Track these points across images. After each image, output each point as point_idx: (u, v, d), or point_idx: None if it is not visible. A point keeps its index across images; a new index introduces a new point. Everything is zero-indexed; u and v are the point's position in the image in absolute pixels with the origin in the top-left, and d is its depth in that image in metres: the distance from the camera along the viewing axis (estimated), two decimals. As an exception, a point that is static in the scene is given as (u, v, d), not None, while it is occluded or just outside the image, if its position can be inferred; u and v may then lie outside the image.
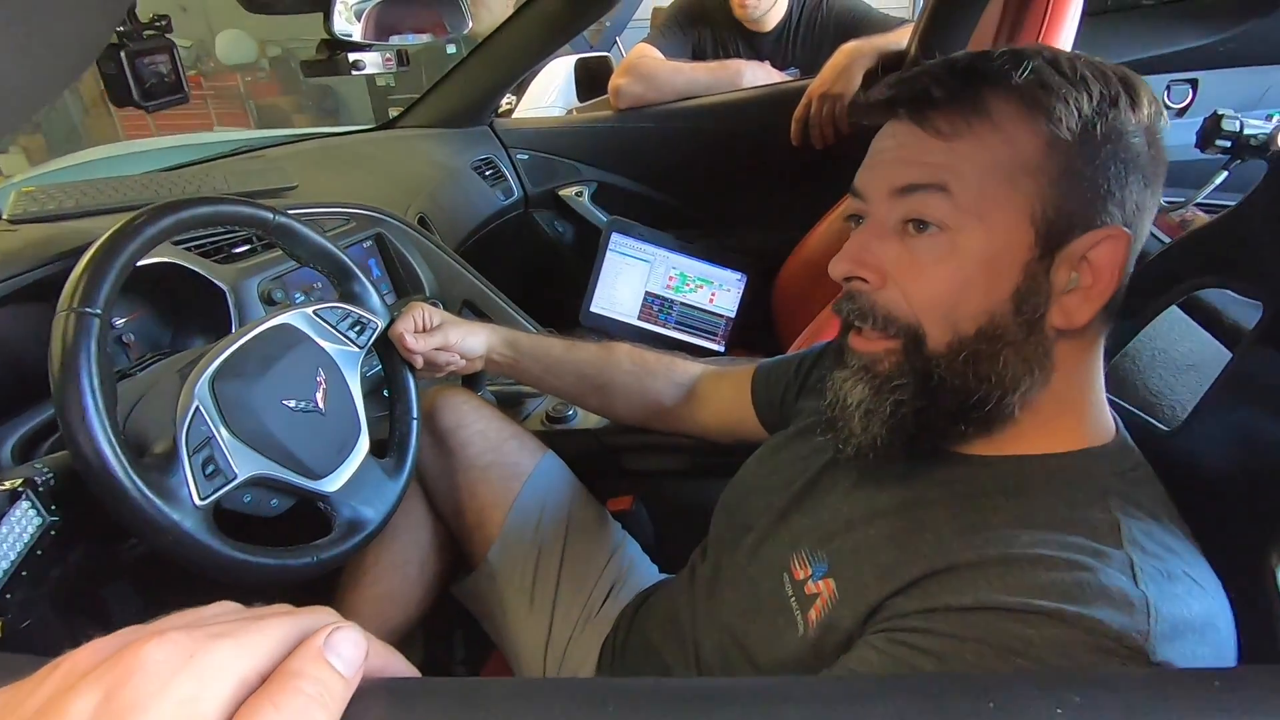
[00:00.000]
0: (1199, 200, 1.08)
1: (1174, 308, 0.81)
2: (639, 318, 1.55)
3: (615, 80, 1.65)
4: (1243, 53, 1.25)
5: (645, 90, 1.61)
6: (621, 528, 0.93)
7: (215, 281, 0.85)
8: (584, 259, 1.58)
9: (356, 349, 0.75)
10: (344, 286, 0.78)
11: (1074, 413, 0.49)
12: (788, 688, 0.20)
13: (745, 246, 1.58)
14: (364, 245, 1.09)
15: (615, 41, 3.77)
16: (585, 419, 1.01)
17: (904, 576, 0.45)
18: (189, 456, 0.57)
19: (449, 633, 1.01)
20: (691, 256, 1.55)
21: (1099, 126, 0.45)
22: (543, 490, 0.87)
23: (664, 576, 0.88)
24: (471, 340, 0.83)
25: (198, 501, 0.57)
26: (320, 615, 0.26)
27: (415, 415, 0.80)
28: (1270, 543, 0.44)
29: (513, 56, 1.51)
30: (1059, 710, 0.18)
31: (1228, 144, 0.99)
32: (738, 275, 1.56)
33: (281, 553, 0.62)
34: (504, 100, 2.17)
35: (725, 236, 1.63)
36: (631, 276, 1.54)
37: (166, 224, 0.59)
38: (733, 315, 1.56)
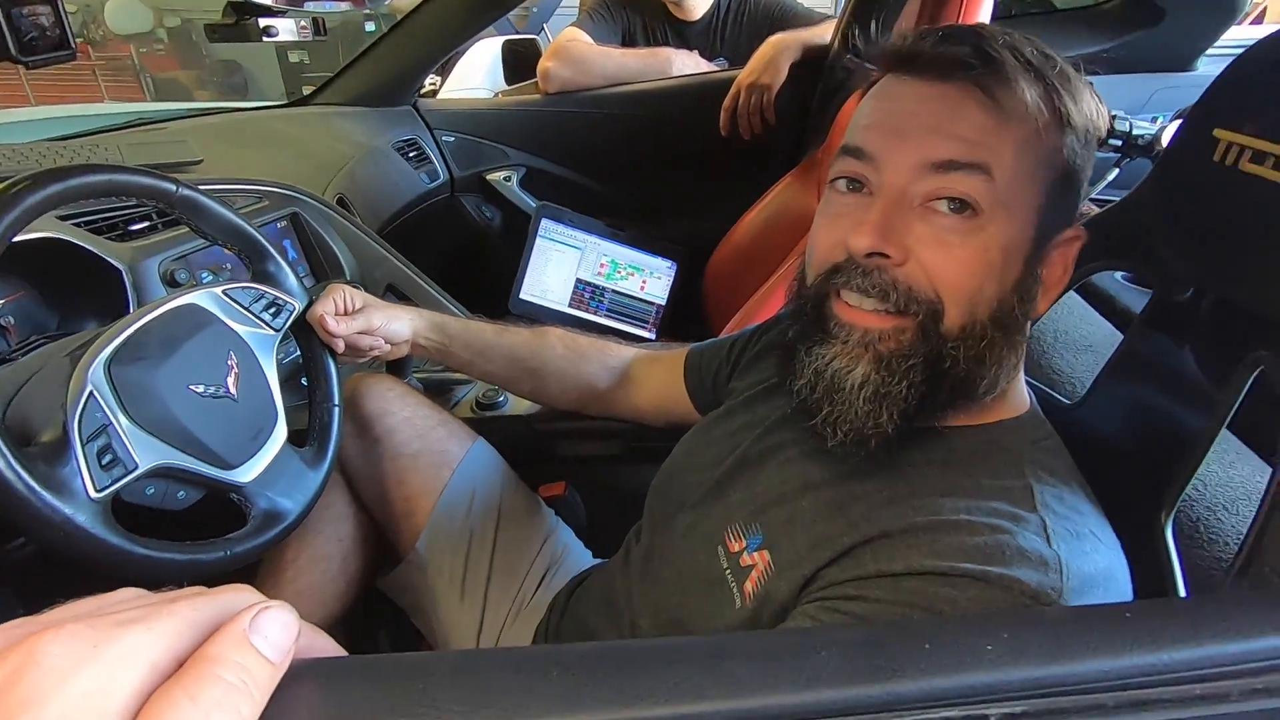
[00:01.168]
0: (1093, 195, 1.16)
1: (1074, 295, 0.87)
2: (570, 305, 1.54)
3: (544, 63, 1.62)
4: (1129, 60, 1.35)
5: (574, 75, 1.59)
6: (554, 514, 0.92)
7: (110, 260, 0.78)
8: (513, 245, 1.55)
9: (272, 332, 0.71)
10: (257, 266, 0.73)
11: (1008, 388, 0.52)
12: (730, 644, 0.20)
13: (675, 234, 1.59)
14: (278, 225, 1.03)
15: (542, 26, 3.71)
16: (516, 405, 1.00)
17: (837, 546, 0.46)
18: (82, 445, 0.52)
19: (374, 628, 0.97)
20: (622, 244, 1.55)
21: (1089, 130, 0.47)
22: (473, 478, 0.85)
23: (598, 561, 0.88)
24: (396, 324, 0.80)
25: (93, 494, 0.52)
26: (242, 595, 0.24)
27: (336, 402, 0.77)
28: (1159, 503, 0.47)
29: (436, 35, 1.46)
30: (989, 646, 0.19)
31: (1118, 143, 1.07)
32: (668, 263, 1.57)
33: (190, 547, 0.58)
34: (428, 81, 2.10)
35: (656, 224, 1.63)
36: (562, 263, 1.52)
37: (50, 193, 0.54)
38: (664, 302, 1.56)
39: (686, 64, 1.65)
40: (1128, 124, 1.07)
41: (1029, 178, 0.46)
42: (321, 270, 1.07)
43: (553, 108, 1.65)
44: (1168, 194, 0.51)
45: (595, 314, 1.55)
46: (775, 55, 1.43)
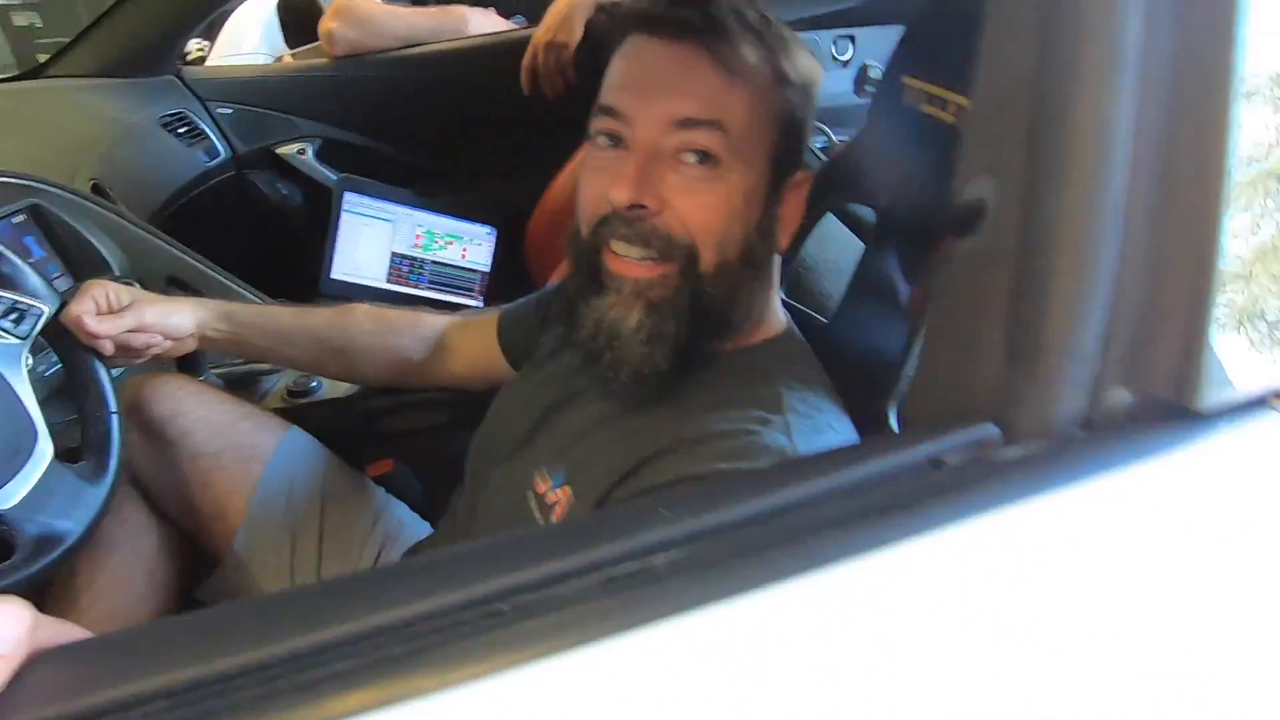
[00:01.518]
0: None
1: (839, 224, 0.98)
2: (389, 280, 1.48)
3: (326, 24, 1.51)
4: (880, 13, 1.50)
5: (362, 36, 1.50)
6: (385, 492, 0.91)
7: None
8: (317, 223, 1.45)
9: (16, 341, 0.63)
10: (-15, 269, 0.65)
11: (762, 315, 0.59)
12: (461, 550, 0.23)
13: (493, 199, 1.57)
14: (14, 221, 0.90)
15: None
16: (333, 388, 0.97)
17: (623, 469, 0.52)
18: None
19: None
20: (437, 212, 1.51)
21: (805, 83, 0.54)
22: (289, 468, 0.82)
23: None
24: (176, 318, 0.74)
25: None
26: None
27: (113, 409, 0.70)
28: (885, 397, 0.57)
29: (192, -8, 1.31)
30: (663, 510, 0.24)
31: (873, 89, 1.20)
32: (487, 229, 1.55)
33: (-59, 588, 0.52)
34: (194, 46, 1.88)
35: (471, 190, 1.60)
36: (374, 237, 1.46)
37: None
38: (487, 269, 1.55)
39: (483, 23, 1.61)
40: (879, 71, 1.20)
41: (759, 130, 0.53)
42: (80, 268, 0.95)
43: (344, 73, 1.55)
44: (876, 132, 0.60)
45: (417, 287, 1.50)
46: (569, 13, 1.43)
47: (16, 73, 1.43)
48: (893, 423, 0.56)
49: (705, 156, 0.51)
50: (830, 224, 0.81)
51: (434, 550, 0.55)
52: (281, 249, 1.56)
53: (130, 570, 0.76)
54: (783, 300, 0.63)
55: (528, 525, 0.56)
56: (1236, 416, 0.32)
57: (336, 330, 0.82)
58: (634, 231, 0.52)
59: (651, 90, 0.52)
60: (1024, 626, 0.29)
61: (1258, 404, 0.33)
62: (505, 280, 1.57)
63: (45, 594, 0.74)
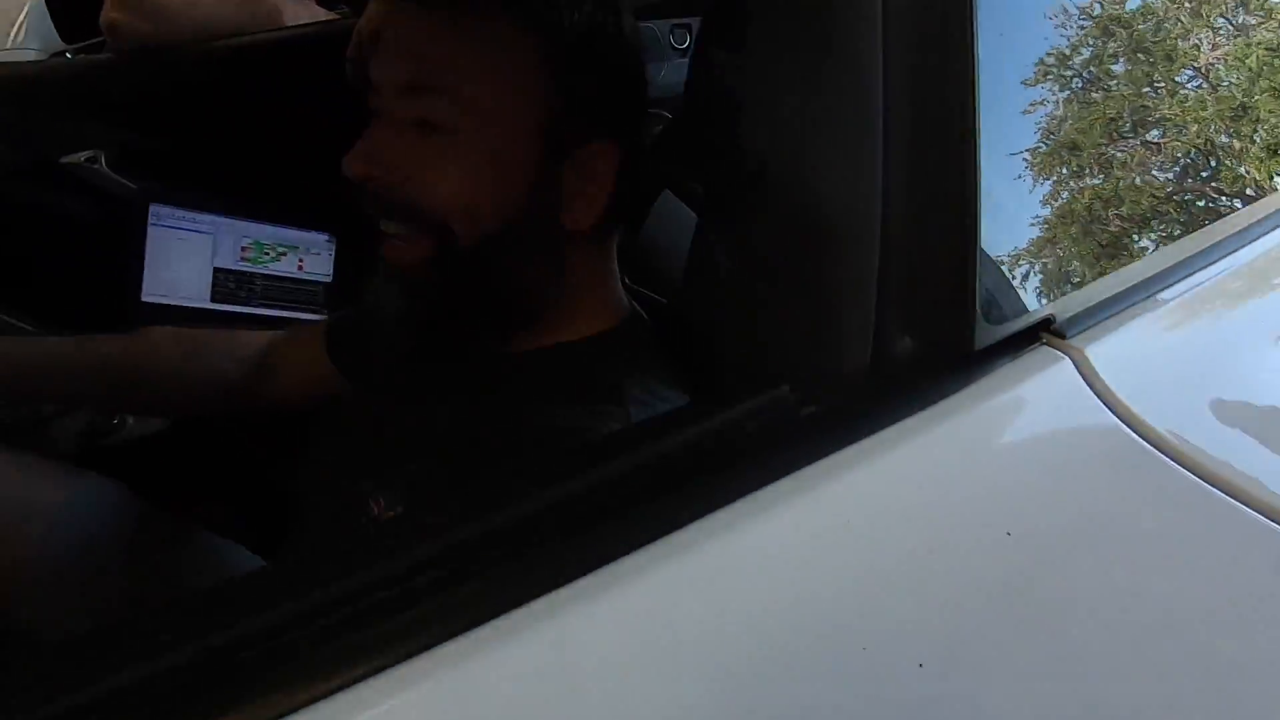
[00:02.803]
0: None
1: (682, 205, 0.99)
2: (213, 300, 1.33)
3: (109, 14, 1.32)
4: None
5: (153, 28, 1.33)
6: (216, 536, 0.81)
7: None
8: (118, 242, 1.28)
9: None
10: None
11: (589, 303, 0.57)
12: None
13: (328, 203, 1.45)
14: None
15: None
16: (140, 425, 0.85)
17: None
18: None
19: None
20: (264, 222, 1.37)
21: (594, 41, 0.49)
22: (82, 525, 0.71)
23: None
24: None
25: None
26: None
27: None
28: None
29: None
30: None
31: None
32: (325, 236, 1.43)
33: None
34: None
35: (302, 194, 1.47)
36: (189, 253, 1.30)
37: None
38: (329, 279, 1.44)
39: (299, 13, 1.47)
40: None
41: (509, 93, 0.49)
42: None
43: (139, 70, 1.37)
44: (695, 106, 0.59)
45: (248, 304, 1.36)
46: None
47: None
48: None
49: (434, 125, 0.48)
50: (671, 203, 0.80)
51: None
52: (77, 274, 1.36)
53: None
54: (626, 286, 0.61)
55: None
56: (1010, 352, 0.35)
57: (134, 358, 0.72)
58: (378, 205, 0.51)
59: (383, 54, 0.49)
60: (833, 588, 0.29)
61: (1028, 337, 0.36)
62: (352, 289, 1.46)
63: None
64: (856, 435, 0.31)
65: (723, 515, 0.27)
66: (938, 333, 0.33)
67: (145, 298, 1.28)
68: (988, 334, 0.34)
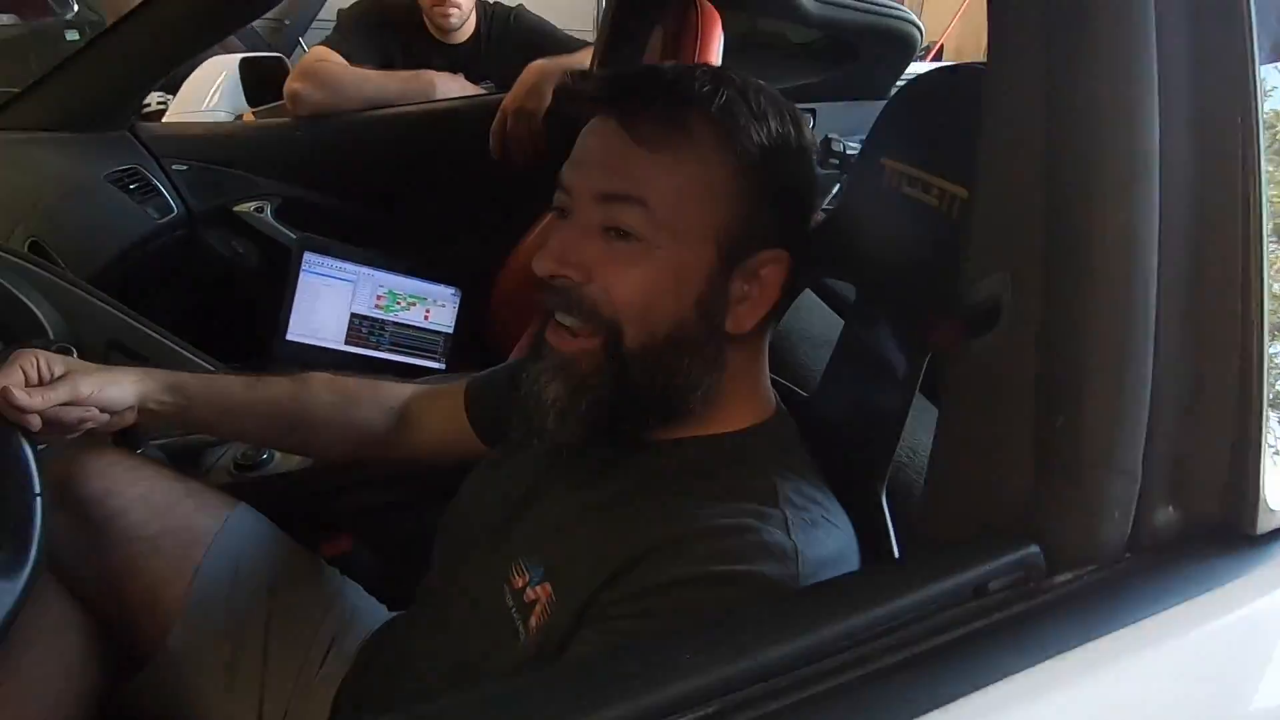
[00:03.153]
0: (822, 207, 1.33)
1: (812, 295, 0.99)
2: (346, 342, 1.43)
3: (292, 85, 1.50)
4: (841, 89, 1.56)
5: (328, 97, 1.49)
6: (339, 573, 0.85)
7: None
8: (274, 284, 1.41)
9: (-72, 418, 0.57)
10: (-102, 338, 0.59)
11: (744, 398, 0.57)
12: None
13: (457, 260, 1.55)
14: (-60, 282, 0.84)
15: (298, 42, 3.43)
16: (285, 460, 0.91)
17: (610, 567, 0.48)
18: None
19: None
20: (399, 274, 1.48)
21: (775, 158, 0.51)
22: (234, 551, 0.75)
23: (394, 615, 0.83)
24: (115, 389, 0.68)
25: None
26: None
27: (37, 491, 0.64)
28: (873, 475, 0.55)
29: (155, 48, 1.28)
30: (688, 655, 0.21)
31: (836, 162, 1.24)
32: (451, 290, 1.52)
33: None
34: (155, 99, 1.84)
35: (435, 251, 1.57)
36: (333, 299, 1.41)
37: None
38: (450, 331, 1.52)
39: (451, 87, 1.62)
40: (842, 145, 1.24)
41: (695, 205, 0.50)
42: (11, 333, 0.89)
43: (307, 133, 1.53)
44: (857, 211, 0.60)
45: (377, 349, 1.46)
46: (538, 81, 1.45)
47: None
48: (883, 505, 0.54)
49: (626, 233, 0.50)
50: (804, 294, 0.81)
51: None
52: (234, 310, 1.50)
53: (46, 673, 0.67)
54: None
55: (504, 625, 0.52)
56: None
57: (292, 403, 0.77)
58: (559, 299, 0.52)
59: (585, 165, 0.52)
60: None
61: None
62: (469, 343, 1.54)
63: (-59, 705, 0.65)
64: (1118, 619, 0.28)
65: (975, 700, 0.24)
66: (1211, 508, 0.29)
67: (289, 336, 1.39)
68: (1272, 517, 0.30)
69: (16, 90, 1.30)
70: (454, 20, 1.66)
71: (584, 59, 1.54)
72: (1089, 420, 0.27)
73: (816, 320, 0.90)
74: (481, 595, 0.56)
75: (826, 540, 0.48)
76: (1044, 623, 0.27)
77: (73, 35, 2.56)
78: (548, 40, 1.75)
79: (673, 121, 0.49)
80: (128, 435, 0.84)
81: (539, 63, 1.48)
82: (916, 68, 1.73)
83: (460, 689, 0.49)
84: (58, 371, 0.66)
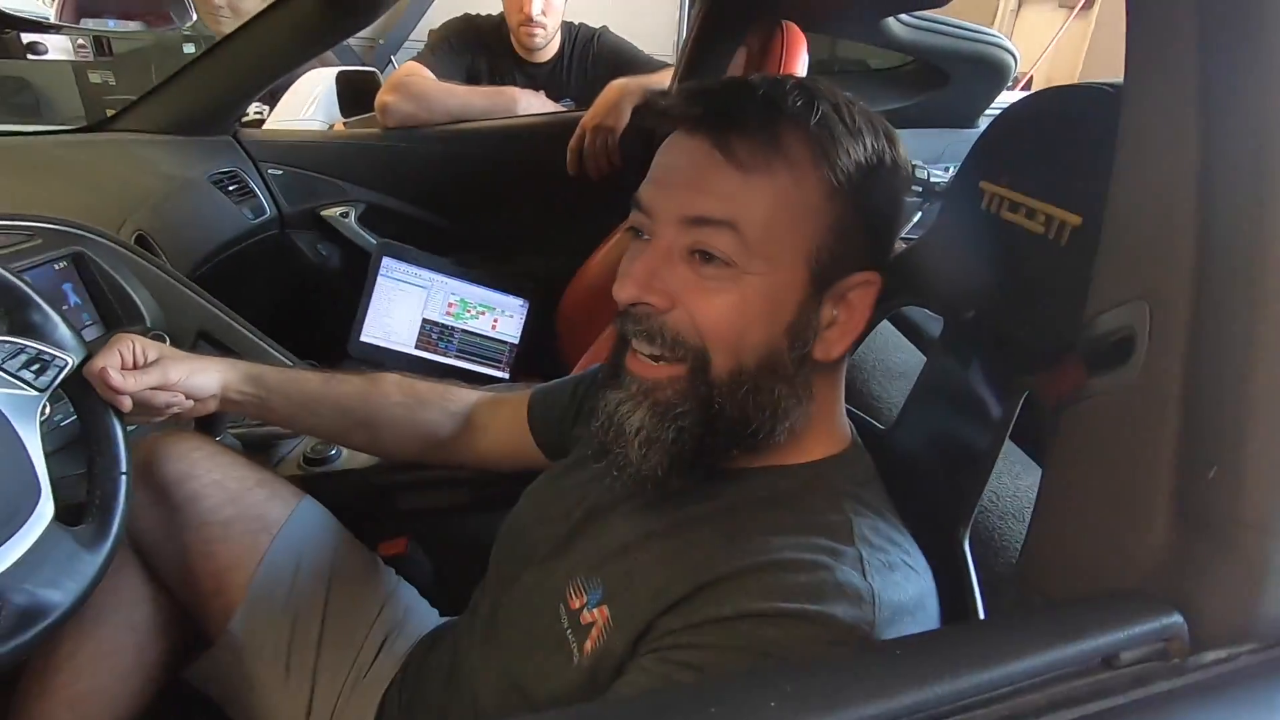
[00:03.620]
0: (902, 235, 1.29)
1: (889, 325, 0.95)
2: (416, 346, 1.47)
3: (383, 97, 1.56)
4: (927, 117, 1.52)
5: (416, 110, 1.55)
6: (395, 573, 0.85)
7: None
8: (353, 285, 1.46)
9: (34, 393, 0.61)
10: (15, 316, 0.63)
11: (821, 427, 0.54)
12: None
13: (526, 272, 1.58)
14: (56, 267, 0.89)
15: (390, 60, 3.61)
16: (351, 458, 0.93)
17: (673, 595, 0.46)
18: None
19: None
20: (471, 282, 1.51)
21: (870, 178, 0.48)
22: (298, 542, 0.77)
23: (446, 620, 0.83)
24: (201, 377, 0.71)
25: None
26: None
27: (124, 469, 0.67)
28: (957, 518, 0.52)
29: (261, 61, 1.36)
30: (773, 703, 0.19)
31: (919, 189, 1.20)
32: (520, 301, 1.54)
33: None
34: (253, 110, 1.95)
35: (506, 262, 1.60)
36: (406, 303, 1.45)
37: None
38: (516, 341, 1.54)
39: (533, 104, 1.66)
40: (926, 172, 1.20)
41: (789, 227, 0.47)
42: (114, 318, 0.94)
43: (393, 143, 1.59)
44: (949, 237, 0.57)
45: (445, 355, 1.49)
46: (618, 99, 1.47)
47: (84, 126, 1.48)
48: (965, 551, 0.51)
49: (714, 257, 0.47)
50: (880, 325, 0.78)
51: None
52: (315, 309, 1.56)
53: (117, 645, 0.70)
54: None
55: (559, 645, 0.50)
56: None
57: (364, 401, 0.79)
58: (641, 327, 0.49)
59: (670, 186, 0.49)
60: None
61: None
62: (533, 353, 1.56)
63: (20, 667, 0.68)
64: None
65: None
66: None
67: (363, 337, 1.44)
68: None
69: (134, 97, 1.40)
70: (539, 40, 1.71)
71: (664, 79, 1.55)
72: (1250, 473, 0.24)
73: (893, 351, 0.87)
74: (537, 612, 0.54)
75: (905, 585, 0.45)
76: (1191, 707, 0.23)
77: (190, 48, 2.76)
78: (629, 61, 1.78)
79: (767, 140, 0.46)
80: (208, 423, 0.88)
81: (620, 81, 1.50)
82: (1006, 97, 1.67)
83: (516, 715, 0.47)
84: (151, 357, 0.69)
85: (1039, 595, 0.30)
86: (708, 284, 0.48)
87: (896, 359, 0.84)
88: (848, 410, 0.61)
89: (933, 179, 1.21)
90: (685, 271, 0.48)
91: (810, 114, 0.47)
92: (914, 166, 1.23)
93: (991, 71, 1.45)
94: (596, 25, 1.85)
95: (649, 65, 1.76)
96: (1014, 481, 0.62)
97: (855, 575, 0.43)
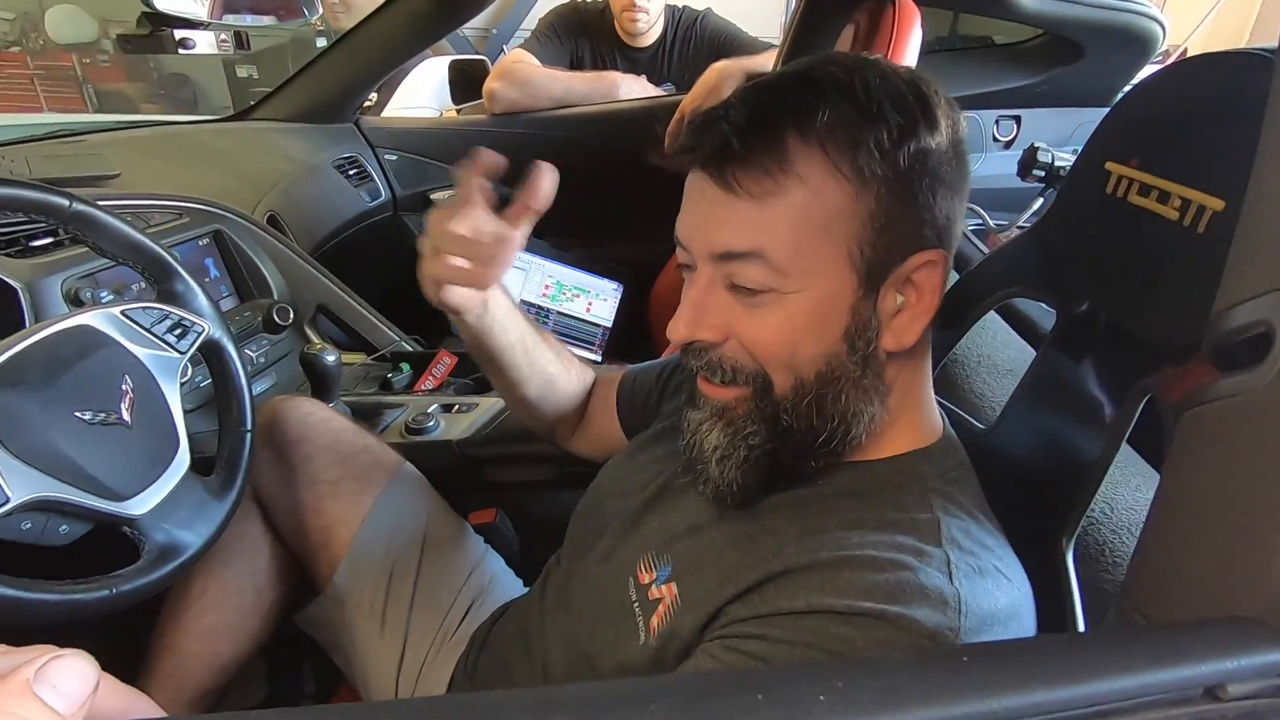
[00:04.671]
0: (1020, 223, 1.20)
1: (998, 319, 0.89)
2: (514, 326, 1.51)
3: (490, 84, 1.62)
4: (1056, 95, 1.40)
5: (521, 96, 1.59)
6: (484, 542, 0.89)
7: (4, 278, 0.74)
8: (457, 266, 1.52)
9: (176, 355, 0.67)
10: (163, 285, 0.70)
11: (905, 419, 0.51)
12: (559, 695, 0.19)
13: (621, 257, 1.59)
14: (199, 243, 0.99)
15: (503, 48, 3.72)
16: (448, 429, 0.97)
17: (743, 582, 0.45)
18: (-57, 478, 0.48)
19: (297, 665, 0.93)
20: (568, 265, 1.54)
21: (902, 159, 0.44)
22: (397, 505, 0.82)
23: (527, 590, 0.86)
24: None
25: (-46, 530, 0.48)
26: (37, 650, 0.22)
27: (248, 427, 0.74)
28: (1062, 528, 0.48)
29: (378, 52, 1.44)
30: (822, 697, 0.19)
31: (1042, 174, 1.11)
32: (614, 285, 1.56)
33: (69, 586, 0.54)
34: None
35: (602, 246, 1.63)
36: (506, 284, 1.50)
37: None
38: (609, 325, 1.56)
39: (634, 88, 1.66)
40: (1050, 156, 1.11)
41: (819, 239, 0.45)
42: (247, 290, 1.03)
43: (499, 129, 1.65)
44: (1067, 223, 0.52)
45: (540, 336, 1.53)
46: (719, 82, 1.44)
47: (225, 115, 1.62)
48: (1069, 563, 0.47)
49: (745, 289, 0.46)
50: (988, 317, 0.72)
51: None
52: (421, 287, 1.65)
53: (240, 586, 0.78)
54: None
55: (626, 618, 0.51)
56: None
57: (564, 379, 0.77)
58: (700, 362, 0.49)
59: (694, 223, 0.48)
60: None
61: None
62: (626, 337, 1.58)
63: (159, 602, 0.77)
64: None
65: None
66: None
67: (465, 316, 1.50)
68: None
69: (269, 89, 1.52)
70: (641, 25, 1.71)
71: (767, 61, 1.52)
72: None
73: (1000, 347, 0.81)
74: (607, 583, 0.55)
75: (996, 593, 0.42)
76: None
77: (322, 43, 2.96)
78: (732, 43, 1.75)
79: (771, 162, 0.44)
80: (322, 390, 0.95)
81: (721, 63, 1.47)
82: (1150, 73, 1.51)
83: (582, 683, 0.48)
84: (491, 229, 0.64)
85: (1140, 615, 0.27)
86: (754, 312, 0.47)
87: (1003, 355, 0.79)
88: (946, 406, 0.58)
89: (1057, 163, 1.11)
90: (729, 301, 0.47)
91: (814, 118, 0.44)
92: (1036, 149, 1.13)
93: (1133, 44, 1.31)
94: (701, 8, 1.83)
95: (753, 47, 1.72)
96: (1132, 494, 0.57)
97: (940, 578, 0.41)
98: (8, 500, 0.51)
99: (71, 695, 0.21)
